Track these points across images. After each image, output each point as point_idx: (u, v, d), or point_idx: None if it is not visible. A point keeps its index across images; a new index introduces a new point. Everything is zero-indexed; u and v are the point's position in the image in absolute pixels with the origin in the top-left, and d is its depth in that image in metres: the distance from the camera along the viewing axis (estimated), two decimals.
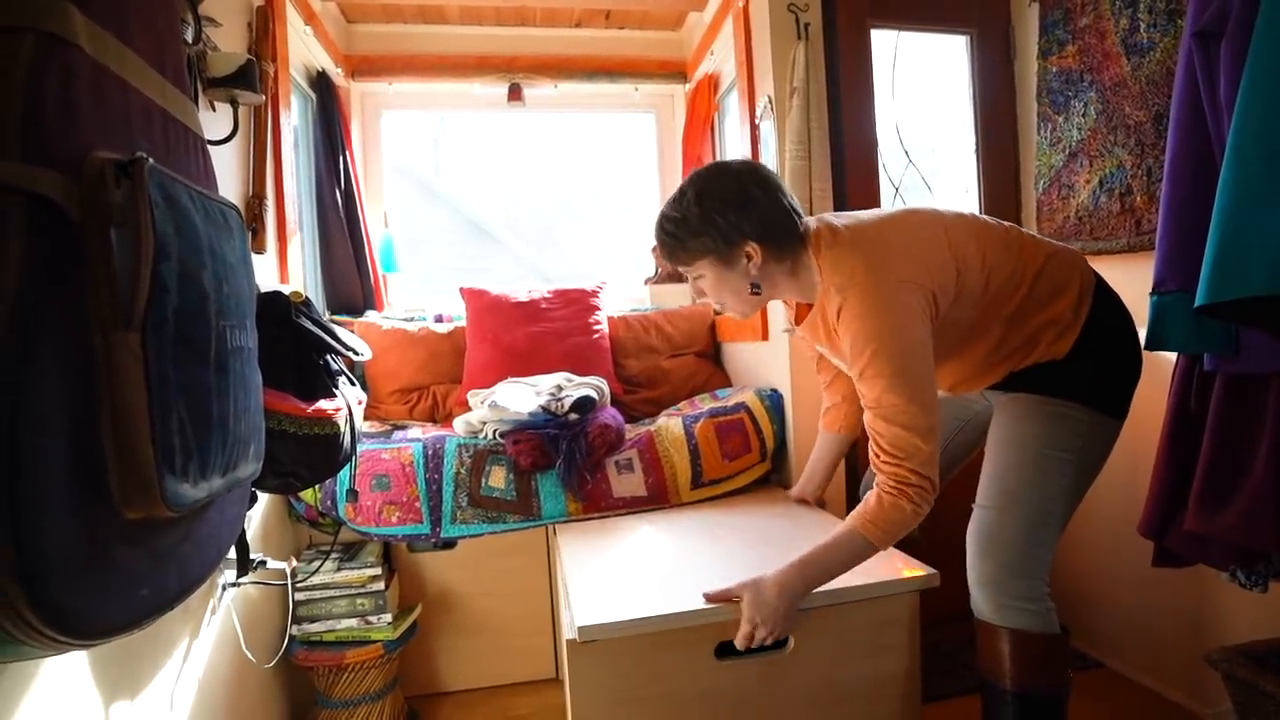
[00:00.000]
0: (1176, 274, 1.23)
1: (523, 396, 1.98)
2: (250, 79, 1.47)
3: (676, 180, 3.01)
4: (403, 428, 2.16)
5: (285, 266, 1.90)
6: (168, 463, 0.75)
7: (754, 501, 1.91)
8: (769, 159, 2.07)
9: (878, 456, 1.21)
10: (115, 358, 0.72)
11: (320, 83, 2.42)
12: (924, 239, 1.27)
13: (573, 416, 1.93)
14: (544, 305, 2.49)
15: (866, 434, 1.25)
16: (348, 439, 1.40)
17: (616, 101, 3.04)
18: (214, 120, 1.52)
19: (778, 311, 2.04)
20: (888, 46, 2.18)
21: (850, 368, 1.24)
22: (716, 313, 2.70)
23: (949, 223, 1.31)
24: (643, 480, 1.90)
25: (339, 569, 1.76)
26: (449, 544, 1.92)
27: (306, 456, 1.32)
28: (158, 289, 0.74)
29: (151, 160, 0.76)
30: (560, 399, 1.96)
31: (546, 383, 2.10)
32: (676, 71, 2.93)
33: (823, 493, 1.82)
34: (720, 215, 1.25)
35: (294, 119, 2.12)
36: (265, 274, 1.79)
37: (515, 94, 2.79)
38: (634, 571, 1.46)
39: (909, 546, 1.52)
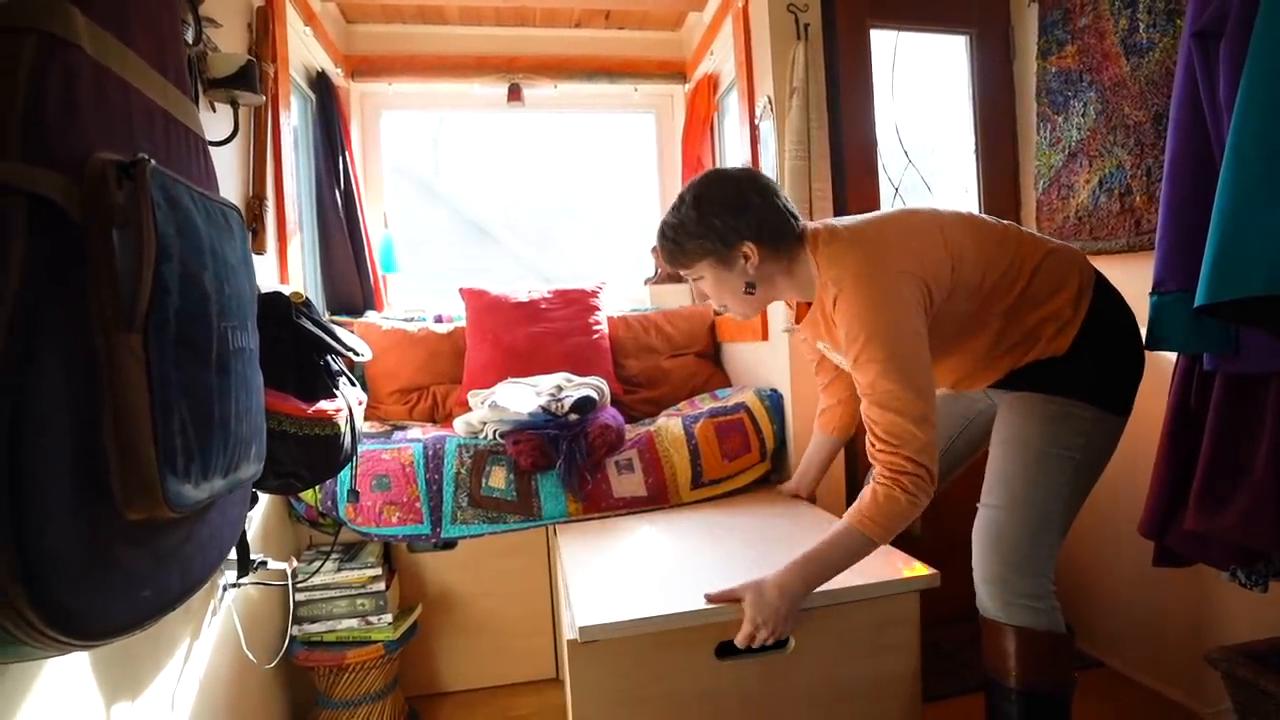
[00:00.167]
0: (1176, 274, 1.24)
1: (523, 397, 1.98)
2: (250, 80, 1.47)
3: (676, 180, 3.02)
4: (403, 428, 2.16)
5: (285, 267, 1.90)
6: (169, 464, 0.75)
7: (754, 501, 1.91)
8: (768, 159, 2.07)
9: (873, 445, 1.21)
10: (117, 359, 0.72)
11: (320, 83, 2.42)
12: (919, 234, 1.29)
13: (573, 417, 1.93)
14: (544, 305, 2.49)
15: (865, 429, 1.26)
16: (348, 439, 1.40)
17: (616, 102, 3.04)
18: (214, 121, 1.52)
19: (777, 312, 2.05)
20: (887, 47, 2.18)
21: (845, 355, 1.26)
22: (717, 313, 2.70)
23: (945, 220, 1.33)
24: (643, 480, 1.90)
25: (339, 569, 1.76)
26: (449, 544, 1.92)
27: (307, 457, 1.32)
28: (159, 290, 0.74)
29: (153, 161, 0.76)
30: (560, 399, 1.96)
31: (546, 383, 2.10)
32: (676, 72, 2.93)
33: (815, 488, 1.84)
34: (718, 218, 1.29)
35: (294, 119, 2.12)
36: (265, 275, 1.79)
37: (515, 94, 2.79)
38: (634, 571, 1.46)
39: (910, 546, 1.52)
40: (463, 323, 2.50)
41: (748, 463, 2.00)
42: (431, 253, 3.14)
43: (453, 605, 1.98)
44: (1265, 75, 1.01)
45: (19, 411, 0.63)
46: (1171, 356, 1.36)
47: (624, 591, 1.34)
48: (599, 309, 2.55)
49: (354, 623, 1.75)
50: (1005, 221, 1.38)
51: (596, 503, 1.86)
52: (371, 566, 1.77)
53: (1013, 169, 2.22)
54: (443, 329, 2.50)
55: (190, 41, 1.34)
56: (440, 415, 2.39)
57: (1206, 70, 1.18)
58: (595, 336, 2.48)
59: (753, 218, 1.29)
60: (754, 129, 2.17)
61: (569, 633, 1.24)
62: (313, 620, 1.75)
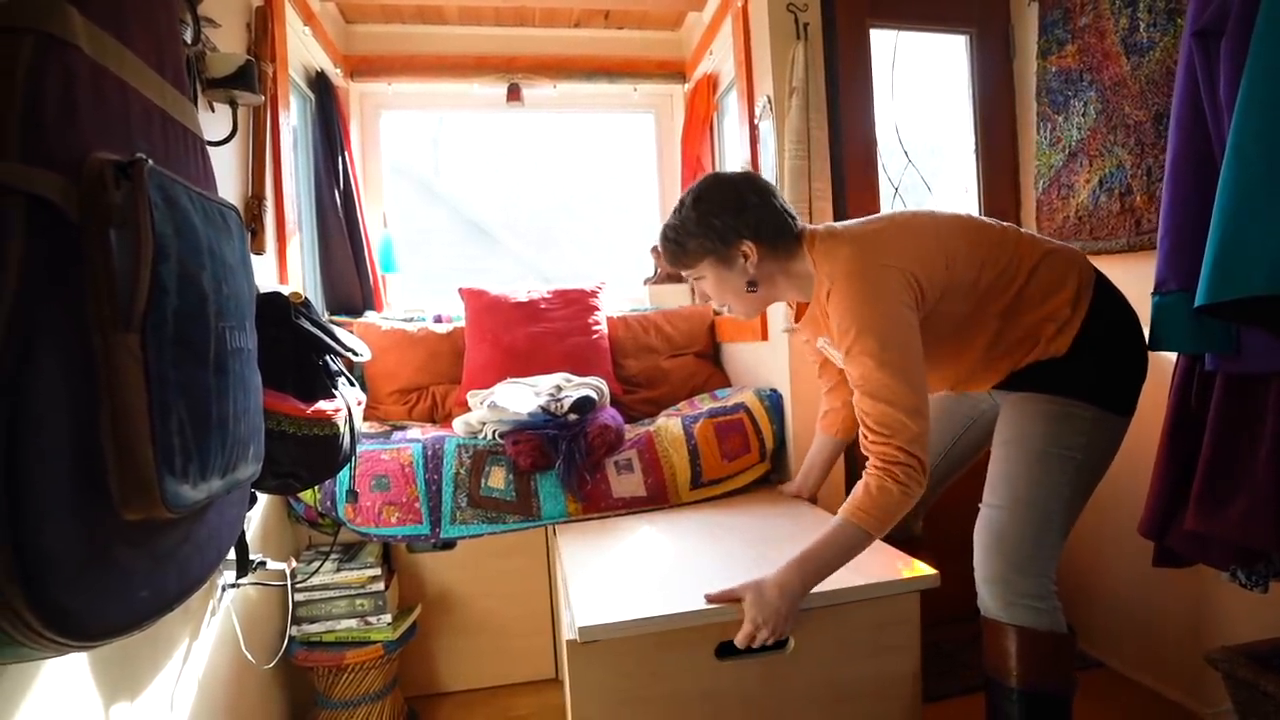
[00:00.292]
0: (1177, 274, 1.23)
1: (522, 397, 1.98)
2: (249, 80, 1.47)
3: (676, 180, 3.01)
4: (402, 428, 2.16)
5: (284, 267, 1.90)
6: (167, 464, 0.75)
7: (754, 501, 1.91)
8: (768, 159, 2.07)
9: (865, 437, 1.22)
10: (115, 359, 0.72)
11: (319, 83, 2.41)
12: (913, 232, 1.32)
13: (572, 417, 1.92)
14: (543, 305, 2.48)
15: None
16: (347, 440, 1.40)
17: (615, 102, 3.04)
18: (213, 121, 1.52)
19: (777, 312, 2.04)
20: (887, 46, 2.18)
21: (838, 348, 1.28)
22: (716, 313, 2.70)
23: (942, 222, 1.35)
24: (642, 480, 1.90)
25: (338, 570, 1.76)
26: (448, 544, 1.92)
27: (306, 457, 1.32)
28: (157, 290, 0.74)
29: (151, 161, 0.76)
30: (560, 399, 1.96)
31: (546, 383, 2.10)
32: (675, 71, 2.93)
33: (818, 489, 1.84)
34: (717, 218, 1.33)
35: (293, 119, 2.12)
36: (264, 275, 1.78)
37: (514, 94, 2.79)
38: (634, 572, 1.46)
39: (911, 546, 1.52)
40: (462, 323, 2.49)
41: (747, 463, 2.00)
42: (431, 253, 3.14)
43: (452, 605, 1.97)
44: (1266, 74, 1.00)
45: (16, 411, 0.63)
46: (1172, 356, 1.36)
47: (624, 592, 1.34)
48: (598, 309, 2.54)
49: (353, 623, 1.75)
50: (1005, 223, 1.39)
51: (596, 503, 1.86)
52: (371, 567, 1.77)
53: (1013, 169, 2.22)
54: (442, 329, 2.49)
55: (189, 41, 1.34)
56: (439, 415, 2.38)
57: (1207, 69, 1.17)
58: (595, 336, 2.48)
59: (751, 217, 1.33)
60: (753, 129, 2.17)
61: (569, 633, 1.24)
62: (312, 620, 1.74)
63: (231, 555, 1.33)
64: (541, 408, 1.92)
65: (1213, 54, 1.16)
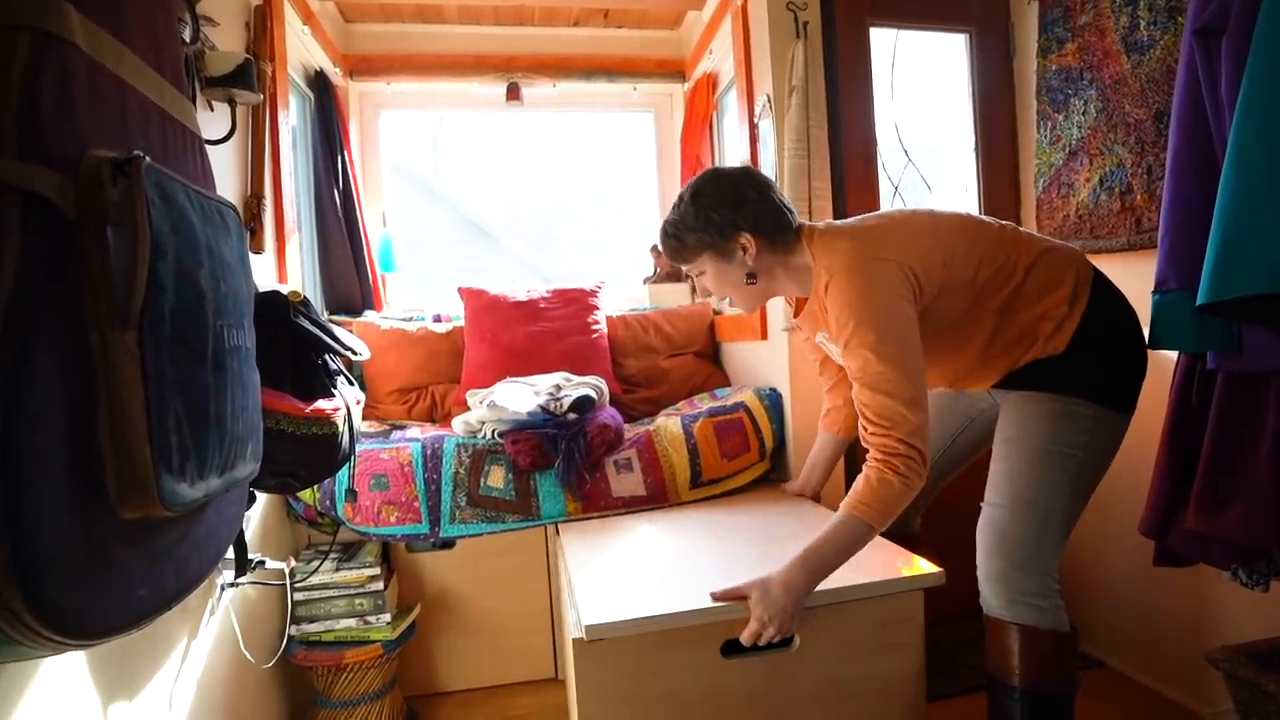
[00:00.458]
0: (1178, 272, 1.23)
1: (521, 396, 1.98)
2: (248, 78, 1.47)
3: (675, 179, 3.01)
4: (401, 427, 2.15)
5: (283, 266, 1.89)
6: (165, 462, 0.75)
7: (755, 500, 1.91)
8: (767, 158, 2.06)
9: (865, 429, 1.23)
10: (112, 356, 0.72)
11: (318, 82, 2.41)
12: (911, 230, 1.33)
13: (571, 416, 1.92)
14: (543, 305, 2.48)
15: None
16: (346, 439, 1.40)
17: (615, 101, 3.03)
18: (212, 120, 1.52)
19: (777, 311, 2.04)
20: (887, 45, 2.18)
21: (836, 341, 1.28)
22: (717, 312, 2.70)
23: (940, 220, 1.36)
24: (642, 480, 1.90)
25: (338, 569, 1.76)
26: (448, 544, 1.91)
27: (305, 456, 1.32)
28: (154, 288, 0.74)
29: (148, 159, 0.76)
30: (559, 398, 1.95)
31: (545, 382, 2.10)
32: (675, 70, 2.92)
33: (821, 488, 1.84)
34: (715, 211, 1.34)
35: (292, 118, 2.12)
36: (263, 274, 1.78)
37: (513, 93, 2.79)
38: (638, 570, 1.46)
39: (910, 544, 1.52)
40: (461, 322, 2.49)
41: (747, 462, 1.99)
42: (431, 252, 3.14)
43: (451, 605, 1.97)
44: (1267, 72, 1.00)
45: (13, 409, 0.63)
46: (1173, 355, 1.36)
47: (629, 590, 1.34)
48: (598, 308, 2.54)
49: (352, 622, 1.75)
50: (1002, 222, 1.39)
51: (595, 502, 1.85)
52: (370, 566, 1.76)
53: (1013, 167, 2.22)
54: (441, 328, 2.49)
55: (187, 40, 1.34)
56: (439, 415, 2.38)
57: (1208, 67, 1.17)
58: (594, 336, 2.47)
59: (750, 211, 1.34)
60: (753, 128, 2.17)
61: (574, 631, 1.24)
62: (311, 620, 1.74)
63: (230, 554, 1.33)
64: (541, 407, 1.92)
65: (1214, 52, 1.16)
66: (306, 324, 1.36)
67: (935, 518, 1.74)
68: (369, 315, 2.49)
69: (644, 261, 3.02)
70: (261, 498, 1.69)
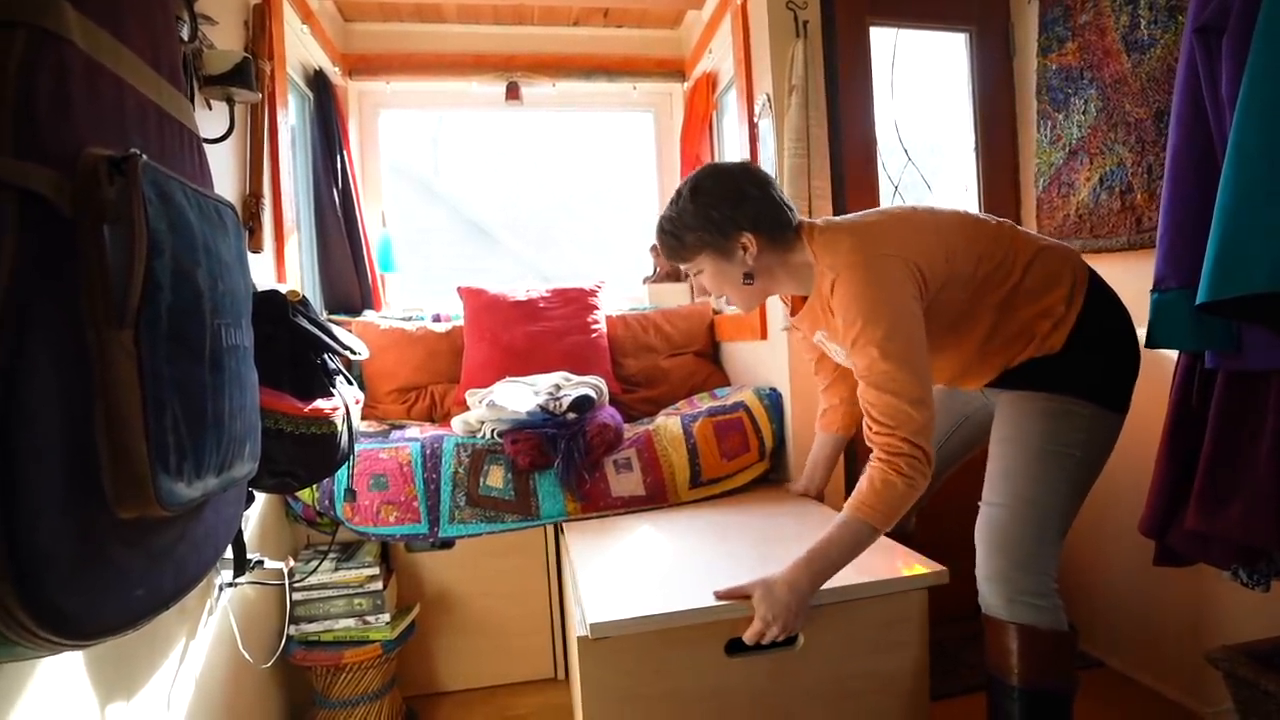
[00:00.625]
0: (1177, 271, 1.23)
1: (521, 396, 1.98)
2: (247, 77, 1.47)
3: (675, 179, 3.01)
4: (400, 427, 2.15)
5: (282, 265, 1.89)
6: (162, 461, 0.74)
7: (755, 500, 1.91)
8: (767, 157, 2.06)
9: (870, 428, 1.22)
10: (109, 355, 0.72)
11: (317, 81, 2.41)
12: (913, 226, 1.32)
13: (571, 416, 1.92)
14: (542, 304, 2.48)
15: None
16: (345, 438, 1.40)
17: (615, 100, 3.03)
18: (210, 118, 1.51)
19: (776, 311, 2.04)
20: (887, 44, 2.18)
21: (843, 340, 1.27)
22: (716, 312, 2.70)
23: (940, 216, 1.36)
24: (641, 480, 1.90)
25: (337, 569, 1.75)
26: (447, 544, 1.91)
27: (303, 456, 1.31)
28: (151, 286, 0.74)
29: (145, 157, 0.76)
30: (558, 398, 1.95)
31: (544, 382, 2.09)
32: (675, 70, 2.92)
33: (824, 486, 1.84)
34: (715, 209, 1.31)
35: (291, 118, 2.11)
36: (262, 273, 1.78)
37: (513, 93, 2.78)
38: (642, 569, 1.46)
39: (905, 543, 1.52)
40: (461, 322, 2.49)
41: (746, 462, 1.99)
42: (430, 252, 3.14)
43: (450, 605, 1.97)
44: (1267, 71, 1.00)
45: (10, 408, 0.63)
46: (1172, 355, 1.36)
47: (633, 589, 1.34)
48: (597, 308, 2.54)
49: (351, 622, 1.75)
50: (1000, 219, 1.39)
51: (595, 502, 1.85)
52: (369, 566, 1.76)
53: (1013, 167, 2.22)
54: (441, 328, 2.49)
55: (186, 38, 1.34)
56: (438, 414, 2.38)
57: (1208, 66, 1.17)
58: (594, 335, 2.47)
59: (750, 209, 1.31)
60: (753, 127, 2.17)
61: (579, 629, 1.24)
62: (310, 620, 1.74)
63: (229, 554, 1.32)
64: (540, 407, 1.92)
65: (1214, 51, 1.16)
66: (305, 323, 1.36)
67: (932, 517, 1.73)
68: (368, 315, 2.48)
69: (643, 261, 3.01)
70: (260, 497, 1.68)
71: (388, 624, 1.76)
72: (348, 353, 1.46)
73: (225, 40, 1.61)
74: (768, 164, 2.06)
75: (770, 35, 2.00)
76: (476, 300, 2.44)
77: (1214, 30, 1.15)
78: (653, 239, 3.01)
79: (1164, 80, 1.66)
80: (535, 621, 2.01)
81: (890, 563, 1.40)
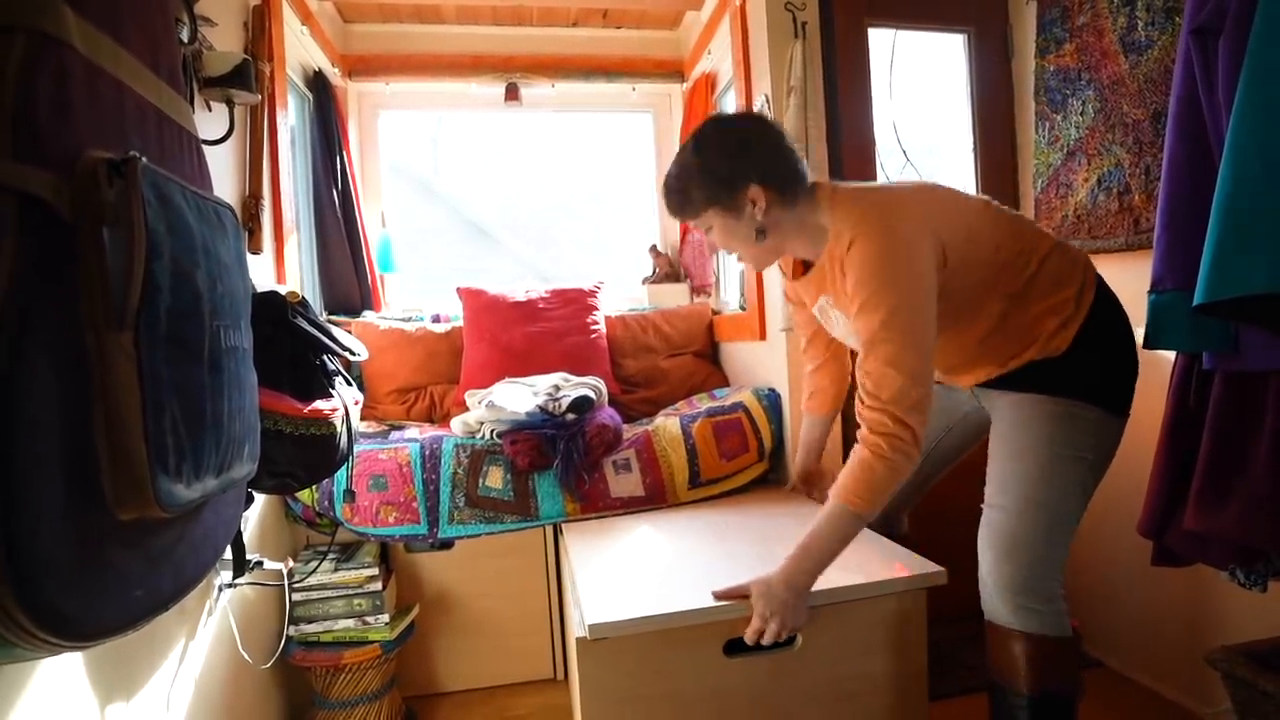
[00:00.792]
0: (1174, 272, 1.23)
1: (520, 396, 1.98)
2: (246, 79, 1.47)
3: None
4: (400, 428, 2.15)
5: (282, 266, 1.89)
6: (161, 462, 0.75)
7: (754, 501, 1.91)
8: None
9: (861, 401, 1.19)
10: (108, 357, 0.72)
11: (317, 82, 2.41)
12: (938, 199, 1.30)
13: (570, 416, 1.92)
14: (541, 305, 2.48)
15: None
16: (344, 439, 1.40)
17: (614, 101, 3.03)
18: (210, 120, 1.52)
19: (776, 311, 2.04)
20: (885, 45, 2.18)
21: (850, 303, 1.22)
22: (715, 313, 2.70)
23: (963, 197, 1.33)
24: (640, 480, 1.90)
25: (336, 569, 1.75)
26: (446, 544, 1.91)
27: (303, 457, 1.32)
28: (150, 288, 0.74)
29: (144, 159, 0.76)
30: (558, 399, 1.95)
31: (544, 383, 2.10)
32: (674, 71, 2.92)
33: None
34: (720, 162, 1.25)
35: (290, 119, 2.12)
36: (262, 274, 1.78)
37: (512, 94, 2.79)
38: (640, 570, 1.46)
39: (902, 545, 1.52)
40: (460, 322, 2.49)
41: (745, 462, 1.99)
42: (430, 252, 3.14)
43: (450, 605, 1.97)
44: (1264, 72, 1.00)
45: (9, 410, 0.63)
46: (1170, 355, 1.36)
47: (632, 590, 1.34)
48: (597, 309, 2.54)
49: (351, 623, 1.75)
50: (1018, 213, 1.37)
51: (594, 502, 1.85)
52: (368, 566, 1.76)
53: (1011, 168, 2.22)
54: (440, 329, 2.49)
55: (185, 40, 1.34)
56: (437, 415, 2.38)
57: (1205, 67, 1.17)
58: (593, 336, 2.47)
59: (758, 161, 1.25)
60: None
61: (578, 630, 1.24)
62: (309, 620, 1.74)
63: (228, 555, 1.33)
64: (539, 407, 1.92)
65: (1210, 52, 1.16)
66: (304, 324, 1.37)
67: (928, 518, 1.73)
68: (368, 315, 2.49)
69: (643, 262, 3.02)
70: (260, 498, 1.69)
71: (387, 624, 1.76)
72: (347, 354, 1.46)
73: (225, 42, 1.62)
74: None
75: (769, 36, 2.00)
76: (476, 301, 2.45)
77: (1210, 32, 1.15)
78: (652, 239, 3.03)
79: (1161, 81, 1.66)
80: (534, 622, 2.01)
81: (889, 564, 1.40)
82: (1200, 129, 1.20)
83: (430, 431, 2.05)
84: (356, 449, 1.78)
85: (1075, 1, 1.91)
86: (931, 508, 1.71)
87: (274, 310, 1.32)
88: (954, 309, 1.28)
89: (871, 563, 1.39)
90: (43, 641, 0.67)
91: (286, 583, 1.68)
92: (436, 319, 2.57)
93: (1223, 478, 1.20)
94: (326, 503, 1.79)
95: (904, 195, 1.28)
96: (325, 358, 1.43)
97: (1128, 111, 1.77)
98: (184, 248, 0.82)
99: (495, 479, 1.84)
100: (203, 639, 1.39)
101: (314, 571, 1.73)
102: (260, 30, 1.79)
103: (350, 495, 1.72)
